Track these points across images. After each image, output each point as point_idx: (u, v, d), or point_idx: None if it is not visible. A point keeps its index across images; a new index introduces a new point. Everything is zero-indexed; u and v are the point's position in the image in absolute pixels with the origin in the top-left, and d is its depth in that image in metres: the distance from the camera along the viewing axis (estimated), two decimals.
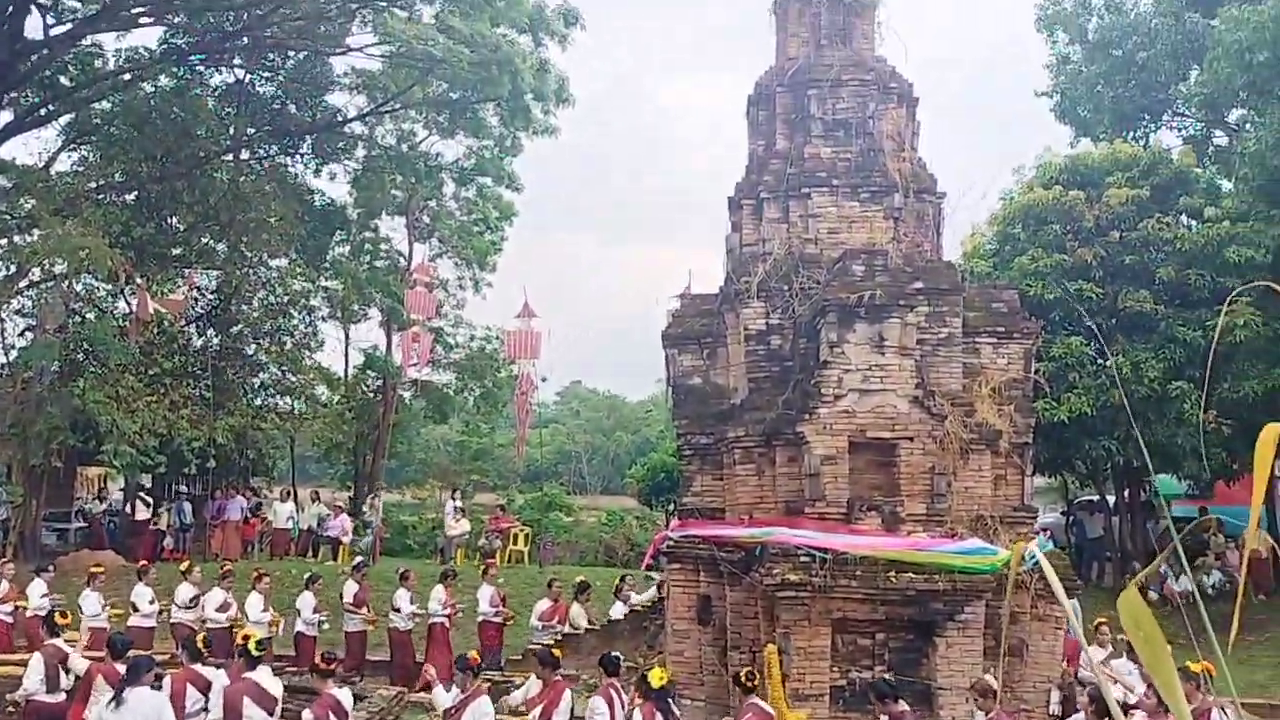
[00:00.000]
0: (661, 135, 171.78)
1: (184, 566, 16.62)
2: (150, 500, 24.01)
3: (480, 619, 16.47)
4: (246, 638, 9.43)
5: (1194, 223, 20.93)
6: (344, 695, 9.05)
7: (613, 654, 10.25)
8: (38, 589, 15.30)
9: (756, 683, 9.53)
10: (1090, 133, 26.48)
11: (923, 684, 10.69)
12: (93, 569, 16.14)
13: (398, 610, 16.08)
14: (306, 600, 15.93)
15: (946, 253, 14.07)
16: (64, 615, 11.30)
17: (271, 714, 8.91)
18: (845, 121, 13.16)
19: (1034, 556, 10.97)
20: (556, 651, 10.73)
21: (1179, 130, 27.37)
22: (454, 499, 26.31)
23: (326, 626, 16.17)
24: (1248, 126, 22.39)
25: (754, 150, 14.07)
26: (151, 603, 15.49)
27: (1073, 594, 11.71)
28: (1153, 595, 18.22)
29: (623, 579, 17.52)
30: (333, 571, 21.35)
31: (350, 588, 16.32)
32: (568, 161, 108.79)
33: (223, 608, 15.37)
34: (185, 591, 15.59)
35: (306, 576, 17.04)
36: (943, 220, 13.58)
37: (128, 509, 26.09)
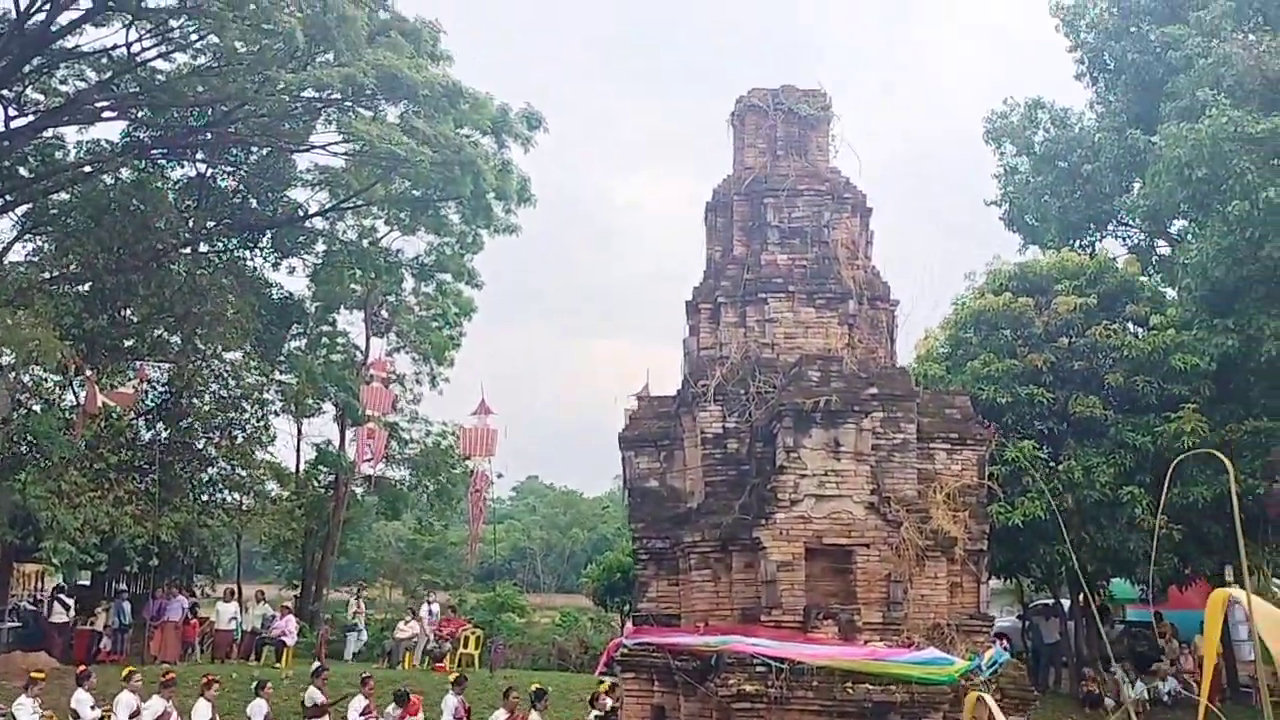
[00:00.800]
0: (621, 231, 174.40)
1: (125, 673, 15.95)
2: (68, 603, 23.11)
3: None
4: None
5: (1140, 330, 21.42)
6: None
7: None
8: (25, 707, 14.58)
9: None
10: (1038, 241, 27.21)
11: None
12: (32, 674, 15.55)
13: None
14: (259, 707, 15.33)
15: (900, 358, 14.28)
16: None
17: None
18: (801, 230, 13.43)
19: (994, 662, 10.88)
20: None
21: (1123, 240, 28.25)
22: (429, 601, 26.02)
23: None
24: (1189, 238, 23.14)
25: (711, 255, 14.28)
26: (93, 708, 14.80)
27: (1030, 703, 11.59)
28: (1109, 703, 18.09)
29: (612, 685, 17.06)
30: (278, 675, 20.67)
31: (312, 694, 15.80)
32: (527, 254, 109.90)
33: (163, 718, 14.74)
34: (127, 701, 14.91)
35: (255, 683, 16.45)
36: (896, 326, 13.80)
37: (59, 609, 25.11)
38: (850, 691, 10.46)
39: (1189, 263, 20.25)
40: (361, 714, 15.72)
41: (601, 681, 19.28)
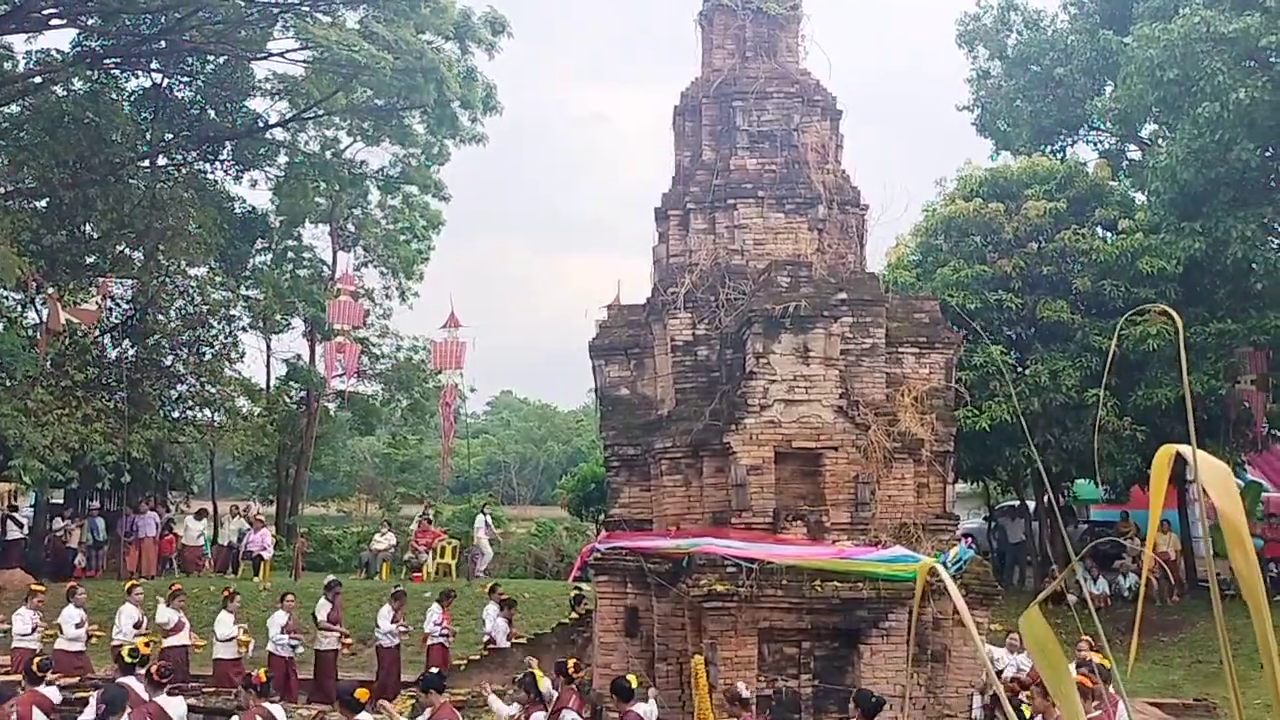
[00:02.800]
0: (595, 143, 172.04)
1: (127, 586, 16.06)
2: (21, 520, 23.06)
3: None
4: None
5: (1109, 235, 21.49)
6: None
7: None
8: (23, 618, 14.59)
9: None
10: (1010, 146, 27.06)
11: (847, 691, 10.75)
12: (32, 586, 15.66)
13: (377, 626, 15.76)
14: (278, 619, 15.42)
15: (870, 264, 14.25)
16: None
17: None
18: (770, 134, 13.26)
19: (960, 560, 11.10)
20: (571, 665, 10.55)
21: (1095, 144, 28.12)
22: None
23: (300, 650, 15.70)
24: (1159, 141, 23.08)
25: (680, 161, 14.11)
26: (79, 625, 14.83)
27: (994, 599, 11.89)
28: (1071, 599, 18.60)
29: (578, 598, 17.25)
30: (254, 588, 20.86)
31: (322, 605, 15.93)
32: (496, 167, 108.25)
33: (176, 628, 14.92)
34: (129, 613, 14.96)
35: (280, 595, 16.71)
36: (866, 232, 13.76)
37: (13, 527, 25.07)
38: (819, 589, 10.66)
39: (1158, 166, 20.22)
40: (328, 617, 15.84)
41: (577, 589, 19.63)
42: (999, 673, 12.46)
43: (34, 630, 14.38)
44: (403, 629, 16.08)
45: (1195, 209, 19.87)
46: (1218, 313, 20.01)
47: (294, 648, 15.26)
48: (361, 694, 8.63)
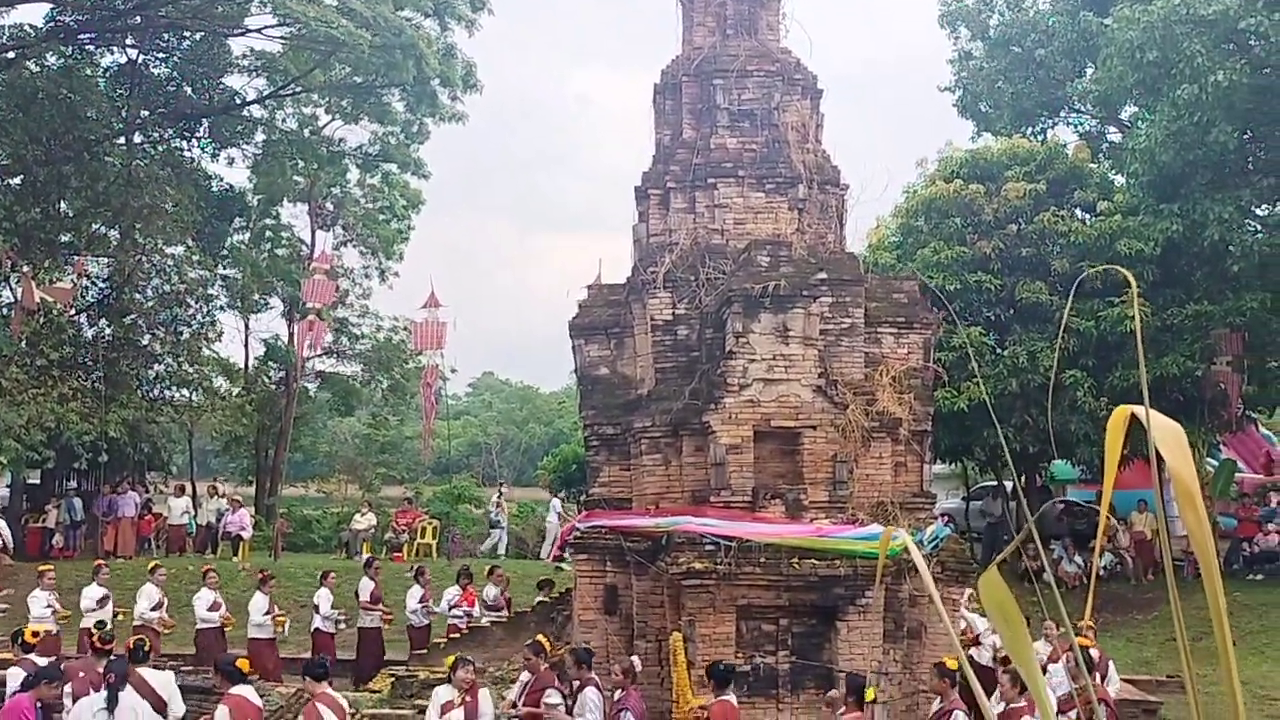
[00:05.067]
0: (575, 123, 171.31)
1: (150, 566, 16.19)
2: None
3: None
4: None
5: (1088, 216, 21.59)
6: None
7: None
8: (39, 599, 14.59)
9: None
10: (991, 128, 27.11)
11: (825, 667, 10.84)
12: (41, 568, 15.69)
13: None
14: (324, 596, 15.63)
15: (850, 244, 14.25)
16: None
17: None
18: (751, 112, 13.22)
19: (936, 537, 11.17)
20: (544, 640, 10.59)
21: (1075, 126, 28.23)
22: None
23: (343, 625, 15.97)
24: (1139, 124, 23.17)
25: (660, 140, 14.06)
26: (47, 607, 14.76)
27: (969, 576, 11.99)
28: (1047, 577, 18.77)
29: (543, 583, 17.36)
30: (233, 568, 20.81)
31: (365, 585, 16.06)
32: (477, 148, 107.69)
33: (214, 607, 15.07)
34: (149, 592, 15.04)
35: (320, 572, 16.99)
36: (846, 212, 13.75)
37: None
38: (797, 566, 10.72)
39: (1137, 148, 20.31)
40: (371, 595, 15.95)
41: (559, 567, 19.67)
42: (976, 640, 12.61)
43: (51, 611, 14.38)
44: (430, 609, 16.15)
45: (1173, 191, 19.98)
46: (1194, 294, 20.15)
47: (337, 624, 15.66)
48: (242, 664, 8.97)
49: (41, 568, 15.78)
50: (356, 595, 16.13)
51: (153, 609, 14.92)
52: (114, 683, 8.43)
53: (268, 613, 15.00)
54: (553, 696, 9.69)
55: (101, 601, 14.86)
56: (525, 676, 10.14)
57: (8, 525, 22.35)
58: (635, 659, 9.91)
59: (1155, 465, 1.40)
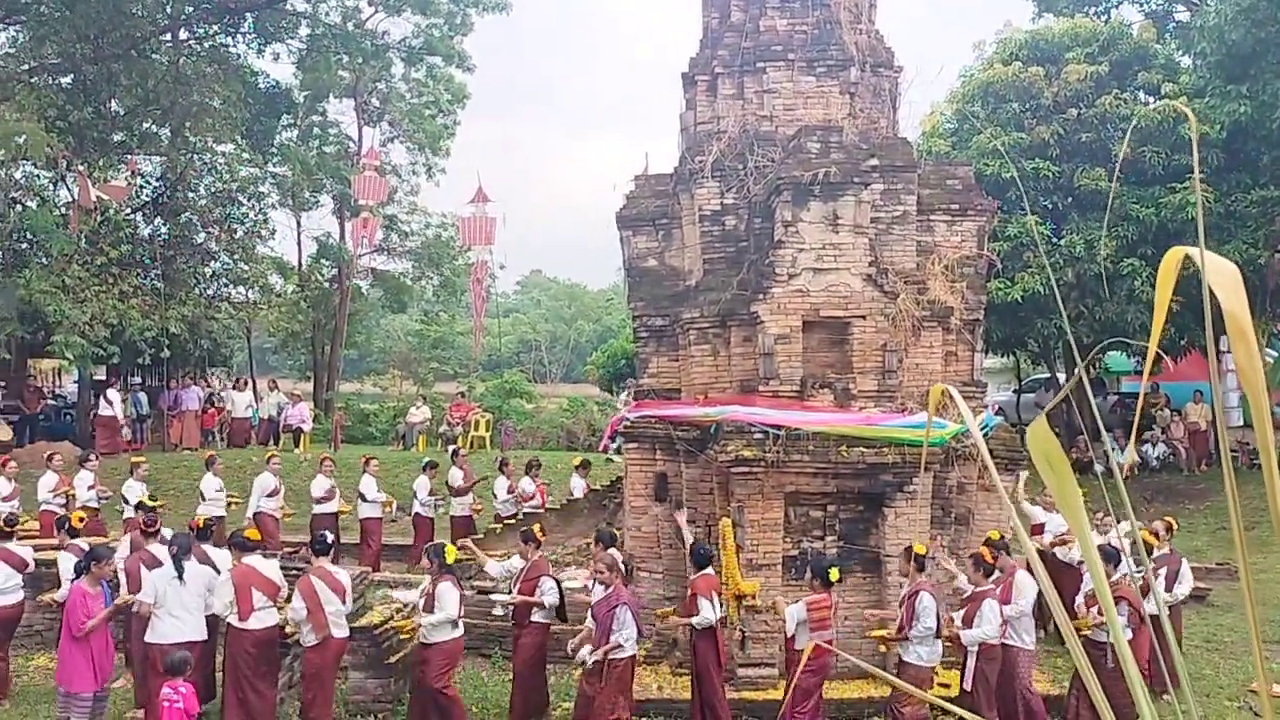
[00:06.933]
0: (621, 14, 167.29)
1: (267, 456, 17.04)
2: (113, 398, 23.59)
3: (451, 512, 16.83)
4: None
5: (1151, 99, 20.85)
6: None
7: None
8: (84, 480, 15.35)
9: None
10: (1053, 7, 26.08)
11: (871, 552, 11.00)
12: (133, 459, 16.50)
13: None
14: (423, 484, 16.47)
15: (904, 131, 13.91)
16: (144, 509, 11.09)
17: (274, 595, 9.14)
18: None
19: (986, 426, 11.17)
20: (538, 530, 10.89)
21: (1141, 5, 27.03)
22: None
23: (442, 510, 16.78)
24: (1208, 1, 22.16)
25: (708, 23, 13.71)
26: (219, 491, 15.64)
27: (1019, 463, 11.98)
28: (1098, 468, 18.73)
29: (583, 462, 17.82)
30: (295, 459, 21.46)
31: (454, 475, 16.73)
32: (521, 45, 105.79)
33: (329, 494, 15.87)
34: (264, 482, 15.78)
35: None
36: (899, 95, 13.38)
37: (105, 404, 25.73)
38: (845, 454, 10.78)
39: (1206, 26, 19.46)
40: (269, 496, 16.24)
41: (610, 458, 20.03)
42: (1040, 528, 12.79)
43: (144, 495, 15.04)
44: (439, 500, 16.67)
45: (1242, 71, 19.19)
46: (1260, 180, 19.52)
47: (436, 507, 16.57)
48: (252, 534, 9.57)
49: (134, 459, 16.58)
50: (447, 485, 16.76)
51: (268, 496, 15.60)
52: (176, 554, 8.87)
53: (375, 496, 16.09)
54: (547, 585, 10.04)
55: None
56: (518, 563, 10.42)
57: (78, 418, 23.09)
58: (615, 553, 10.05)
59: (1207, 303, 1.39)
